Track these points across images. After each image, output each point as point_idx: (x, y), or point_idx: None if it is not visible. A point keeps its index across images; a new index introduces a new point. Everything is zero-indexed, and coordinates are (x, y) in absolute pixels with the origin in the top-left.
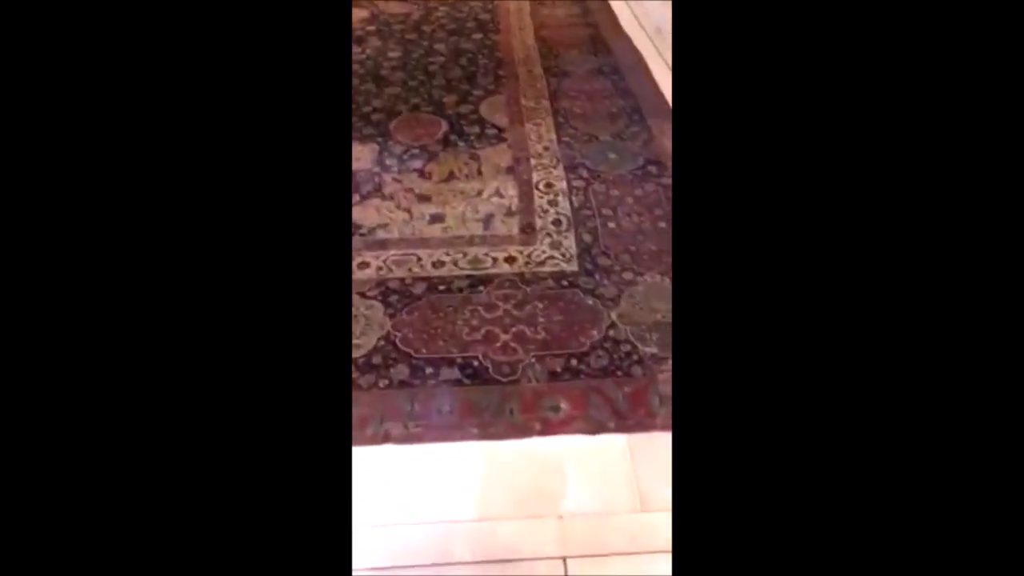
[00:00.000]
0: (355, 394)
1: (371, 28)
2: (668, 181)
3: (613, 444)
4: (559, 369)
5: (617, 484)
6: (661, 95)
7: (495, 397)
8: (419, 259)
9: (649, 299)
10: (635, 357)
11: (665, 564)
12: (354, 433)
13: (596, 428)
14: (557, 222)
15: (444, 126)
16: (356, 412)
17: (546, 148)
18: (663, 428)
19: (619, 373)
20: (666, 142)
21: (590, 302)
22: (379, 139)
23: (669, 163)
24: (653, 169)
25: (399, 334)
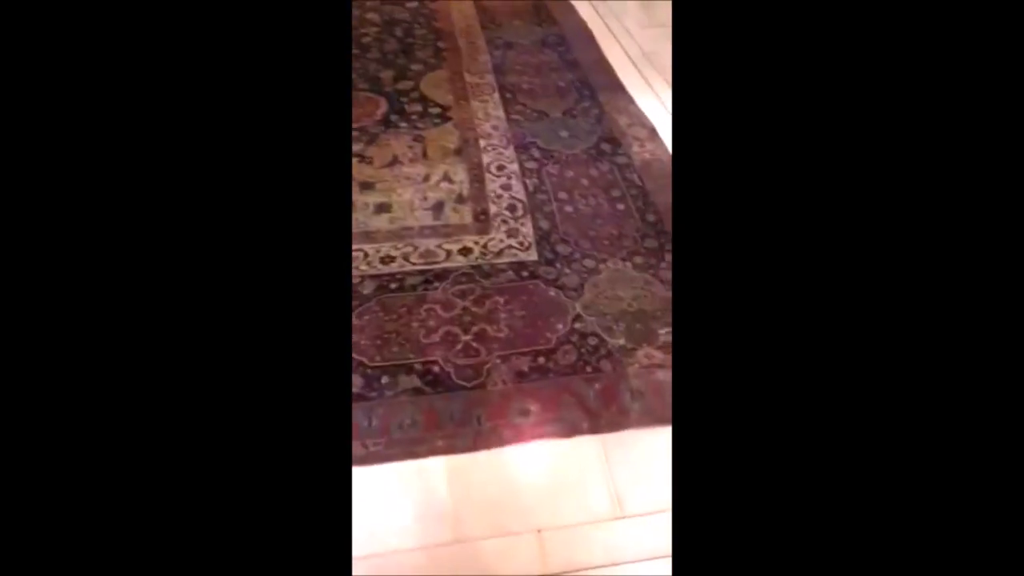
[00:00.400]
0: None
1: None
2: (623, 160)
3: (587, 446)
4: (526, 369)
5: (594, 490)
6: (609, 67)
7: (460, 405)
8: (366, 255)
9: (613, 287)
10: (603, 351)
11: (650, 571)
12: None
13: (569, 431)
14: (512, 208)
15: (383, 105)
16: None
17: (495, 127)
18: (637, 425)
19: (588, 368)
20: (618, 117)
21: (552, 293)
22: None
23: (623, 140)
24: (607, 147)
25: None
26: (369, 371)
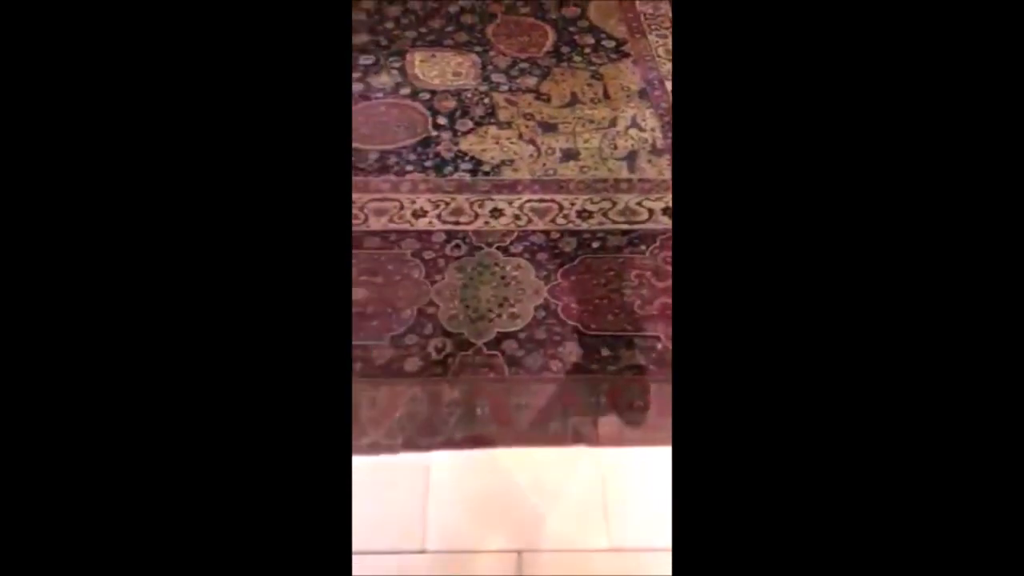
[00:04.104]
0: (527, 380)
1: None
2: None
3: None
4: None
5: None
6: None
7: None
8: (561, 208)
9: None
10: None
11: None
12: (536, 431)
13: None
14: None
15: (551, 34)
16: (534, 402)
17: None
18: None
19: None
20: None
21: None
22: (478, 48)
23: None
24: None
25: (559, 303)
26: (587, 340)
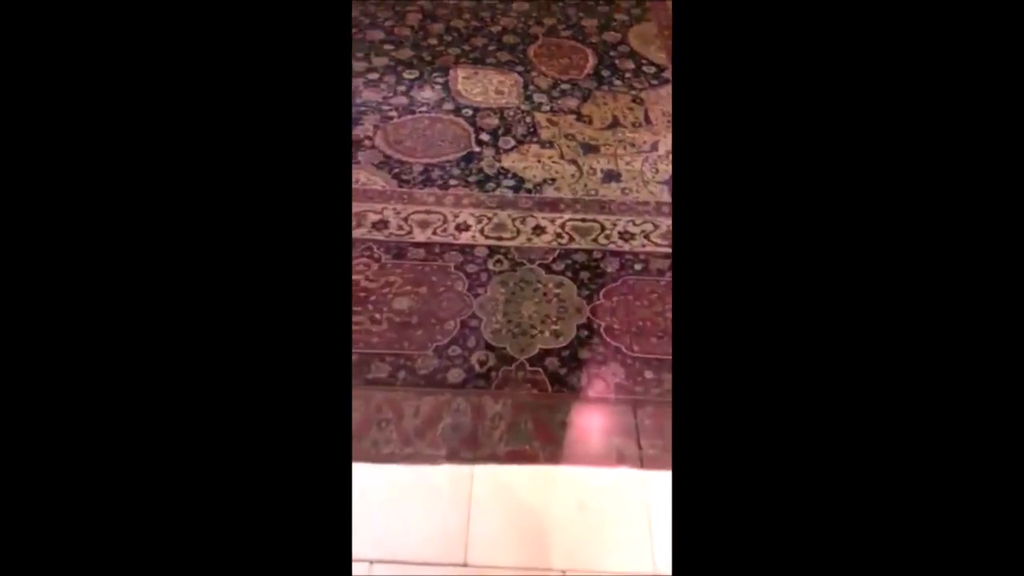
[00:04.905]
0: (570, 398)
1: None
2: None
3: None
4: None
5: None
6: None
7: None
8: (603, 228)
9: None
10: None
11: None
12: (579, 450)
13: None
14: None
15: (592, 58)
16: (577, 421)
17: None
18: None
19: None
20: None
21: None
22: (519, 68)
23: None
24: None
25: (601, 323)
26: (629, 361)
